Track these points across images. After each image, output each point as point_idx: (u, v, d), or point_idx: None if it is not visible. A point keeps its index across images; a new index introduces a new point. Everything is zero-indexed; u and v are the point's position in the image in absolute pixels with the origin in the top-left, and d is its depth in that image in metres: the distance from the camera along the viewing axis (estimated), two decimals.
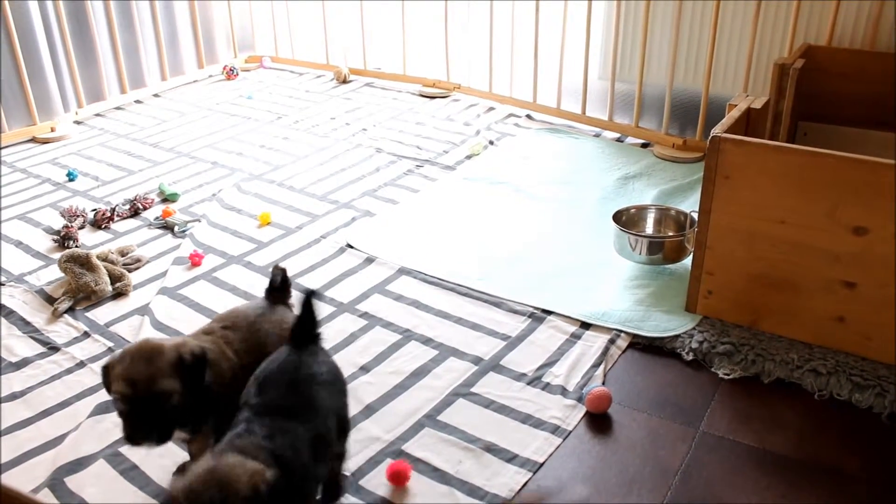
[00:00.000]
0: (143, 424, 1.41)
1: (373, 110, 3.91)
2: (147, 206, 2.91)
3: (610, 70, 3.43)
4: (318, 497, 1.48)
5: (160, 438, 1.42)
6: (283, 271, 1.77)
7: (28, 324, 2.23)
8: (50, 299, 2.34)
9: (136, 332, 2.17)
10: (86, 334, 2.18)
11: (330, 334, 2.15)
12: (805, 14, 2.94)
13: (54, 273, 2.46)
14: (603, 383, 1.95)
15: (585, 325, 2.17)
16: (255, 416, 1.35)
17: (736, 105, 2.31)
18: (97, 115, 3.94)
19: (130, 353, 1.43)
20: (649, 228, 2.54)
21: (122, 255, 2.54)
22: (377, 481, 1.66)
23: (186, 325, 2.20)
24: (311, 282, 2.41)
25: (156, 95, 4.21)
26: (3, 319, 2.25)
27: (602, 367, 2.00)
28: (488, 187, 3.01)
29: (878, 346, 1.95)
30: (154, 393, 1.40)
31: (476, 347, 2.09)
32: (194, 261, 2.51)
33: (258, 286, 2.38)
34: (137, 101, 4.12)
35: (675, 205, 2.68)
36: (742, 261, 2.07)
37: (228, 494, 1.14)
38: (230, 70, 4.47)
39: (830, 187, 1.88)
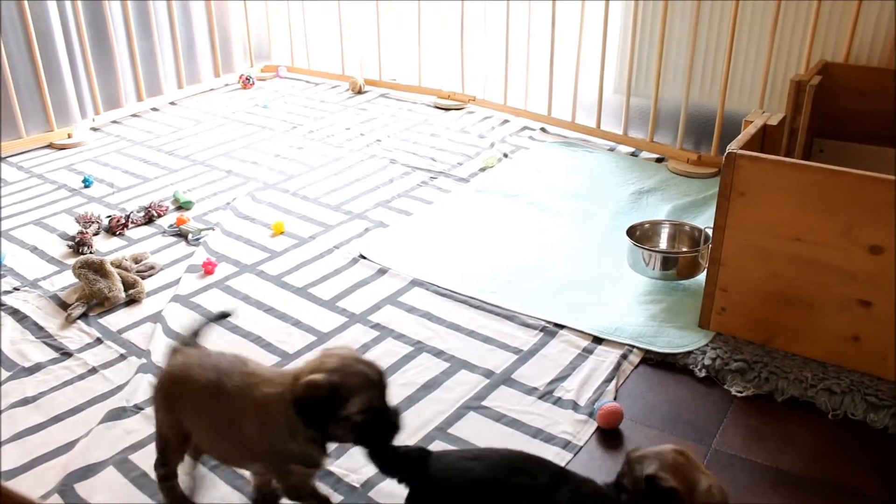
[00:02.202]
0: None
1: (387, 121, 3.92)
2: (161, 213, 2.92)
3: (625, 84, 3.42)
4: None
5: None
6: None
7: (41, 329, 2.24)
8: (63, 305, 2.35)
9: (149, 339, 2.18)
10: (98, 340, 2.19)
11: (342, 345, 2.15)
12: (822, 31, 2.93)
13: (68, 279, 2.47)
14: (615, 399, 1.94)
15: (598, 340, 2.16)
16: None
17: (752, 121, 2.30)
18: (114, 122, 3.97)
19: (346, 366, 1.37)
20: (663, 244, 2.53)
21: (136, 262, 2.55)
22: (387, 492, 1.65)
23: None
24: (324, 292, 2.41)
25: (172, 103, 4.23)
26: (17, 324, 2.26)
27: (614, 382, 1.99)
28: (502, 200, 3.00)
29: (893, 366, 1.93)
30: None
31: (488, 360, 2.08)
32: (207, 269, 2.51)
33: (270, 295, 2.39)
34: (154, 109, 4.14)
35: (689, 220, 2.67)
36: (756, 278, 2.05)
37: None
38: (246, 79, 4.50)
39: (846, 205, 1.86)
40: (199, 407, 1.48)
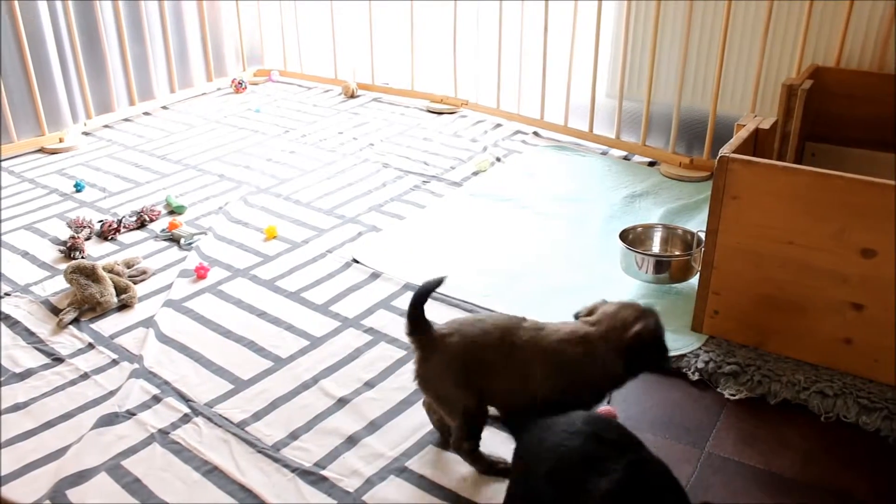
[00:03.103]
0: None
1: (380, 125, 3.92)
2: (154, 218, 2.91)
3: (618, 88, 3.43)
4: None
5: None
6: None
7: (33, 334, 2.23)
8: (55, 310, 2.34)
9: (141, 344, 2.17)
10: (90, 346, 2.18)
11: (334, 349, 2.15)
12: (813, 35, 2.94)
13: (60, 284, 2.46)
14: (608, 402, 1.94)
15: None
16: None
17: (744, 125, 2.31)
18: (106, 126, 3.96)
19: (648, 312, 1.63)
20: (656, 247, 2.54)
21: (128, 267, 2.54)
22: (382, 496, 1.65)
23: (191, 337, 2.20)
24: (317, 296, 2.40)
25: (164, 108, 4.23)
26: (8, 330, 2.25)
27: None
28: (494, 204, 3.01)
29: (886, 368, 1.93)
30: None
31: None
32: (200, 273, 2.51)
33: (263, 300, 2.38)
34: (146, 113, 4.13)
35: (681, 224, 2.67)
36: (749, 281, 2.06)
37: None
38: (239, 83, 4.49)
39: (838, 209, 1.87)
40: (492, 367, 1.64)
